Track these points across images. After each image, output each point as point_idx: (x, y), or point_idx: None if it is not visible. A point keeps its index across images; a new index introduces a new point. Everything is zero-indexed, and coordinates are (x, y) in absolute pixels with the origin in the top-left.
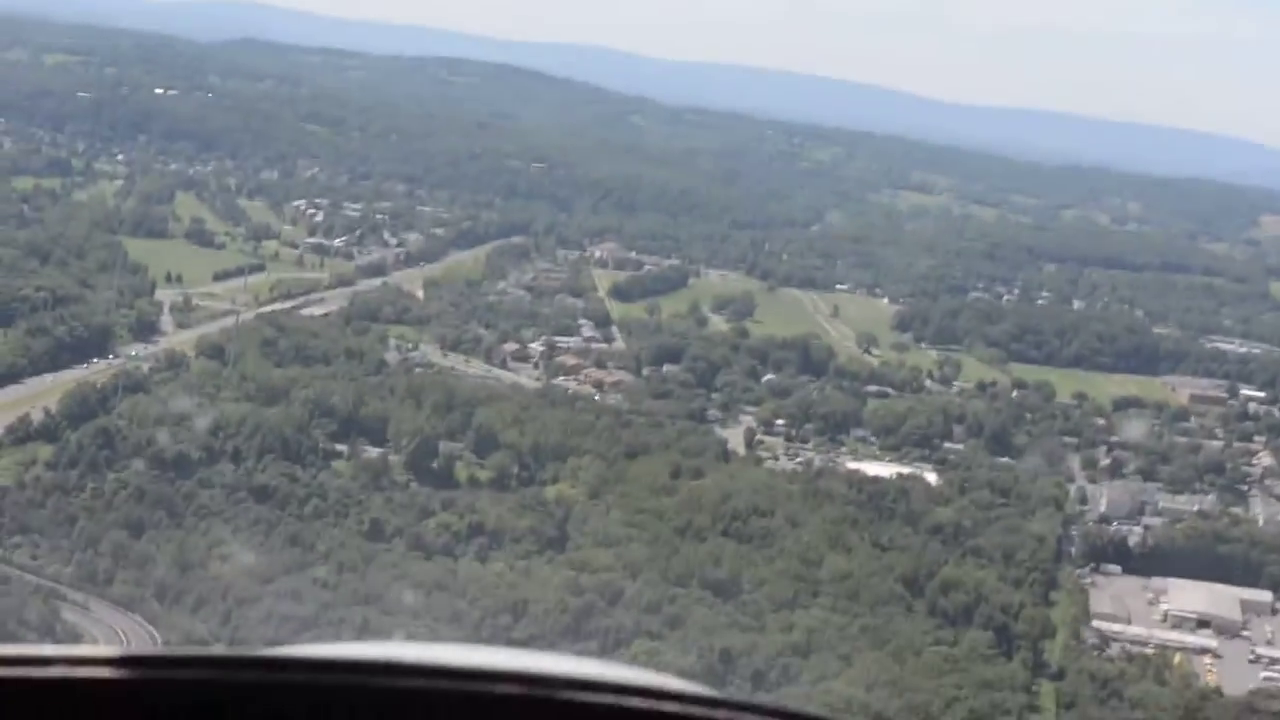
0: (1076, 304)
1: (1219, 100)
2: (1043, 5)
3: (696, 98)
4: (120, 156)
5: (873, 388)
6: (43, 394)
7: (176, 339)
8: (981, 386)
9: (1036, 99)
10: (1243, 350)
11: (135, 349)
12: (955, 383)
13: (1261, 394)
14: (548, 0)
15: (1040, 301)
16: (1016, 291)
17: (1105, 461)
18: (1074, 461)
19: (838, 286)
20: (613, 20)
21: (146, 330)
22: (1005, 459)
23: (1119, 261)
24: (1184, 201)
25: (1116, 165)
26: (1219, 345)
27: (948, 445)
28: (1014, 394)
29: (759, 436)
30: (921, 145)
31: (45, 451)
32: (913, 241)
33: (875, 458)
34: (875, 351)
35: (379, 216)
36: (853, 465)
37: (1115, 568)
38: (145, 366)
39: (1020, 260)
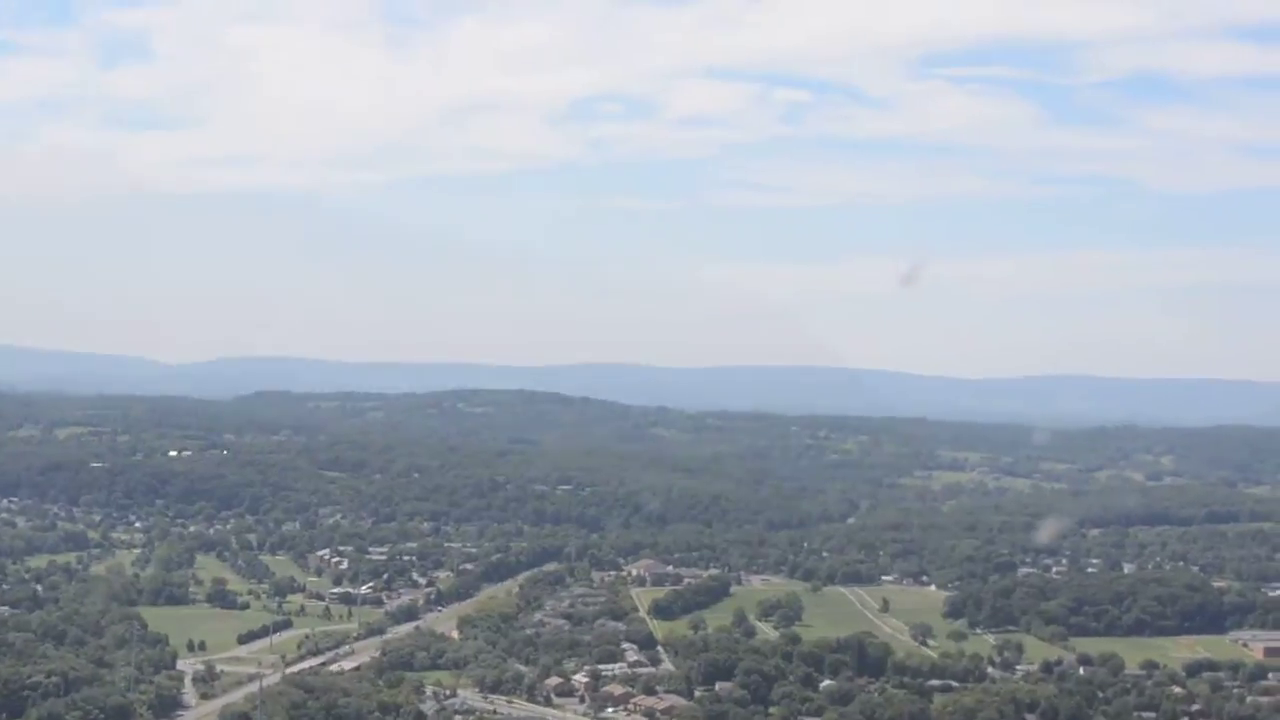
0: (1127, 567)
1: (1235, 347)
2: (1041, 273)
3: (716, 402)
4: (138, 524)
5: (935, 682)
6: None
7: (200, 712)
8: (1047, 668)
9: (1050, 365)
10: None
11: None
12: (1019, 666)
13: None
14: (559, 324)
15: (1090, 569)
16: (1065, 562)
17: None
18: None
19: (883, 578)
20: (624, 337)
21: (167, 706)
22: None
23: (1163, 517)
24: (1216, 450)
25: (1142, 421)
26: None
27: None
28: (1080, 671)
29: None
30: (945, 424)
31: None
32: (952, 522)
33: None
34: (932, 643)
35: (406, 558)
36: None
37: None
38: None
39: (1064, 529)
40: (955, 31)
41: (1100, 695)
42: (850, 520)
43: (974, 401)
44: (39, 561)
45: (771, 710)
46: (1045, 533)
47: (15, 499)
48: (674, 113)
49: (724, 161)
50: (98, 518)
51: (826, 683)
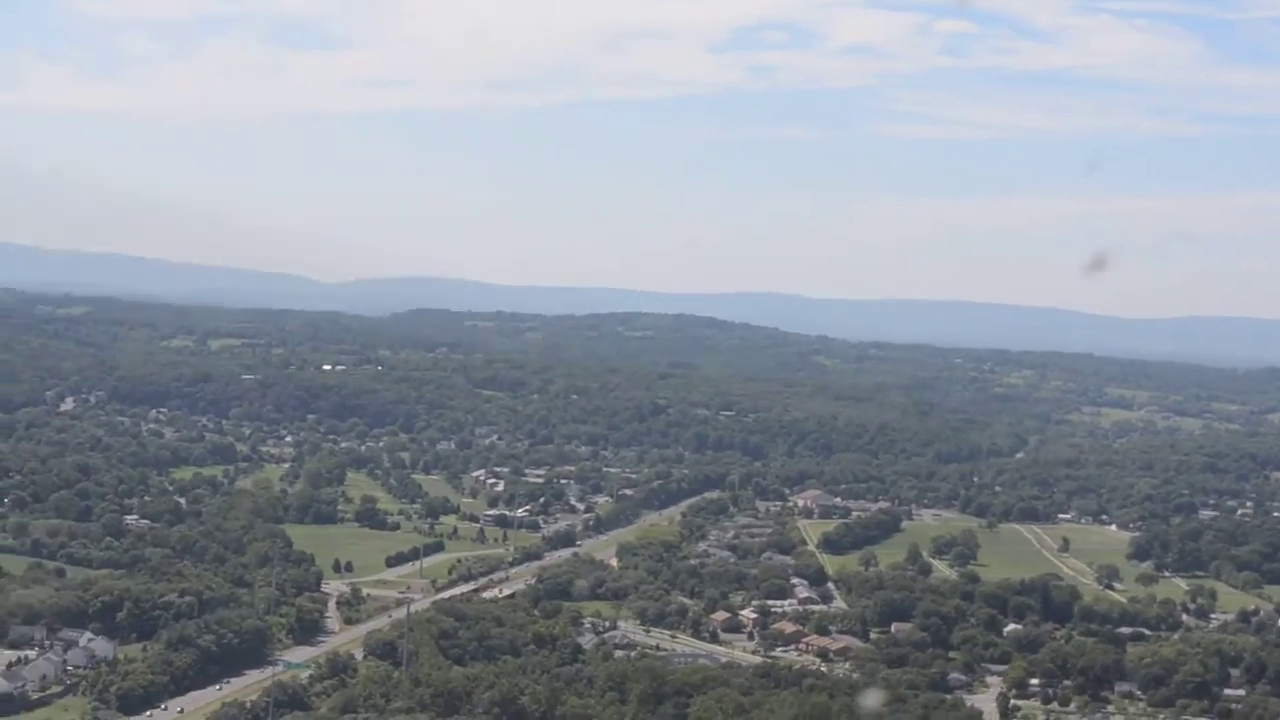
0: None
1: None
2: (1199, 211)
3: (876, 333)
4: (288, 438)
5: (1126, 629)
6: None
7: (342, 638)
8: (1244, 617)
9: (1212, 306)
10: None
11: (295, 654)
12: (1213, 615)
13: None
14: (715, 252)
15: (1277, 514)
16: (1249, 504)
17: None
18: None
19: (1060, 516)
20: (777, 266)
21: (309, 630)
22: None
23: None
24: None
25: None
26: None
27: (1228, 693)
28: None
29: (1014, 702)
30: (1111, 360)
31: None
32: (1127, 460)
33: (1148, 716)
34: (1119, 586)
35: (563, 481)
36: None
37: None
38: (305, 675)
39: (1245, 470)
40: None
41: None
42: (1020, 455)
43: (1132, 340)
44: (184, 474)
45: (953, 655)
46: None
47: (164, 409)
48: (835, 42)
49: (884, 92)
50: (247, 431)
51: (1011, 626)
